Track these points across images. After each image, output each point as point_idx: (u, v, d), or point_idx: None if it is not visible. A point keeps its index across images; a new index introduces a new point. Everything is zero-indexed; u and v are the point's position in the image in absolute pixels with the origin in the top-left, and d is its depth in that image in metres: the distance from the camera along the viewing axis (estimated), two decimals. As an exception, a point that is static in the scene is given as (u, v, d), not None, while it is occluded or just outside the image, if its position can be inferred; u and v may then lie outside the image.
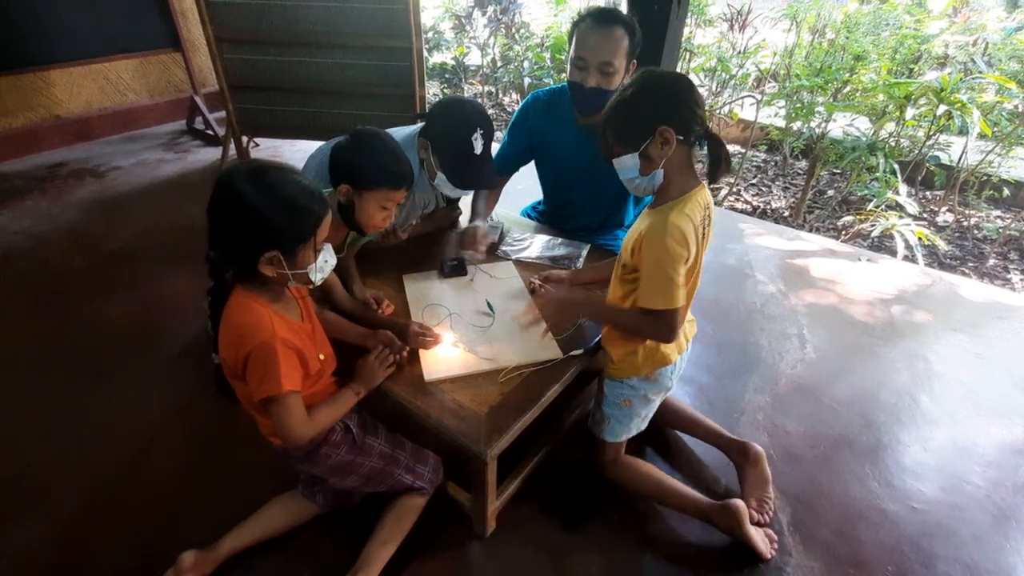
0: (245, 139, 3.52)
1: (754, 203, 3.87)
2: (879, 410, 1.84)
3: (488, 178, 1.62)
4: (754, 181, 4.20)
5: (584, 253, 1.74)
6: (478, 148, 1.52)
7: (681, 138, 1.10)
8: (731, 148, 4.58)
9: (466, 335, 1.39)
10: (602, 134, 1.21)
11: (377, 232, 1.44)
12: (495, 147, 1.72)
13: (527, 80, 4.88)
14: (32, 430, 1.73)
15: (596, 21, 1.53)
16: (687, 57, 4.24)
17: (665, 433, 1.70)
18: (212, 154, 3.80)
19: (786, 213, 3.71)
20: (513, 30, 5.20)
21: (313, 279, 1.07)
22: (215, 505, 1.49)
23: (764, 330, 2.22)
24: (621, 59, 1.54)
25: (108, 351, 2.04)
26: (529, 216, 2.10)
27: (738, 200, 3.91)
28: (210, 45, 3.12)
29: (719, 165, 1.12)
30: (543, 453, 1.52)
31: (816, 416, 1.82)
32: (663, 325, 1.16)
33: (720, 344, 2.13)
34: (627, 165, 1.16)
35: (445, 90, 5.68)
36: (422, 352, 1.32)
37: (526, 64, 4.98)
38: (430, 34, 5.55)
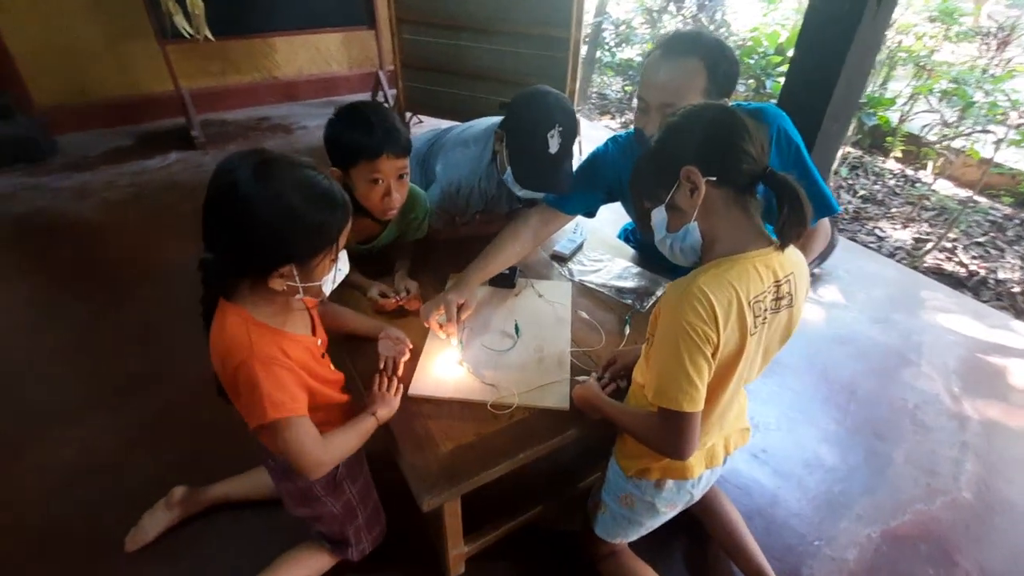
0: (409, 115, 3.72)
1: (971, 268, 2.99)
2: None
3: (559, 182, 1.40)
4: (981, 239, 3.25)
5: (660, 292, 1.46)
6: (553, 147, 1.34)
7: (714, 179, 0.81)
8: (959, 192, 3.63)
9: (475, 355, 1.24)
10: (634, 193, 0.97)
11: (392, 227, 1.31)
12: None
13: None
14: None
15: (666, 52, 1.20)
16: (886, 66, 3.36)
17: (699, 527, 1.36)
18: (383, 126, 4.12)
19: (1015, 289, 2.80)
20: (712, 28, 4.72)
21: (325, 291, 0.93)
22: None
23: (907, 441, 1.67)
24: (693, 99, 1.17)
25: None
26: (627, 240, 1.84)
27: (949, 259, 3.06)
28: (391, 25, 3.36)
29: (788, 217, 0.79)
30: (539, 509, 1.31)
31: (941, 582, 1.31)
32: (670, 432, 0.85)
33: (838, 439, 1.66)
34: (656, 222, 0.91)
35: (627, 87, 5.40)
36: (420, 362, 1.20)
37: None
38: (621, 27, 5.31)
